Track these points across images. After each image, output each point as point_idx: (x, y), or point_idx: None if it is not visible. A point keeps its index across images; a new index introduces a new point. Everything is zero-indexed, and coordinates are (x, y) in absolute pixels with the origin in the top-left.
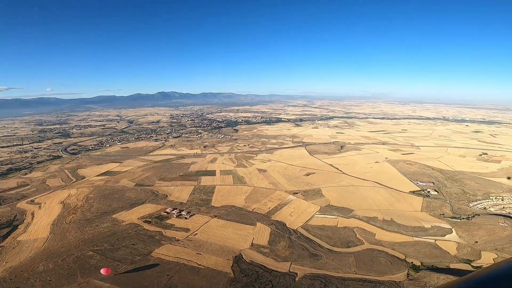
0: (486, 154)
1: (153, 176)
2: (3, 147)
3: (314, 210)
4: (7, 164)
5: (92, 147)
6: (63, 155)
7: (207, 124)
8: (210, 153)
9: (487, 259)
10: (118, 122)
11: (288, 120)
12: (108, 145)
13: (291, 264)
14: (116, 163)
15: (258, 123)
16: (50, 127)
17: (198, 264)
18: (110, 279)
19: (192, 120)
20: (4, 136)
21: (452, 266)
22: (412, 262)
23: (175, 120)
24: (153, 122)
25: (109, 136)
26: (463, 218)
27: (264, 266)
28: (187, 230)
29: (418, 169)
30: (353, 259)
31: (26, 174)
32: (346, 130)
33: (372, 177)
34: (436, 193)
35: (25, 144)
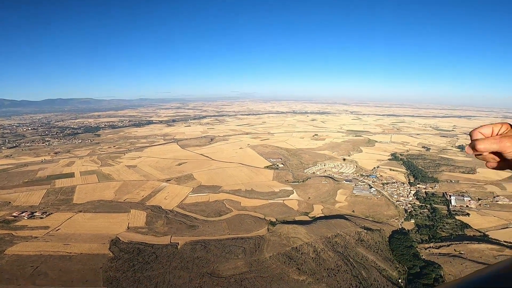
0: (317, 135)
1: None
2: None
3: (188, 192)
4: None
5: None
6: None
7: (57, 132)
8: (65, 158)
9: (317, 209)
10: None
11: (160, 122)
12: None
13: (171, 236)
14: None
15: (126, 126)
16: None
17: (68, 252)
18: None
19: (34, 129)
20: None
21: (296, 218)
22: (270, 219)
23: (8, 131)
24: None
25: None
26: (300, 181)
27: (145, 242)
28: (46, 227)
29: (271, 150)
30: (225, 224)
31: None
32: (216, 126)
33: (237, 159)
34: (283, 165)
35: None
